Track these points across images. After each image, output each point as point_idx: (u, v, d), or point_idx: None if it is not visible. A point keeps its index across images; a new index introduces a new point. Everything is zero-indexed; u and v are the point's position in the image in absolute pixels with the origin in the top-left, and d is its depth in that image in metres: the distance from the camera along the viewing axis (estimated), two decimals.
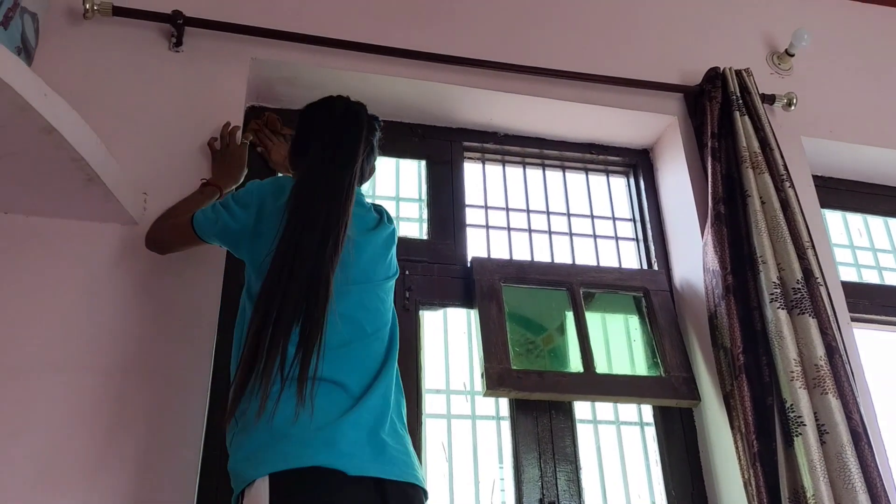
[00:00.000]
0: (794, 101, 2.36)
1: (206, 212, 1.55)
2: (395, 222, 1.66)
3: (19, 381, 1.57)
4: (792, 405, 1.73)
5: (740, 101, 2.20)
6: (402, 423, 1.43)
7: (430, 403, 1.96)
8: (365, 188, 1.72)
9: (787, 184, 2.07)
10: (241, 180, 1.86)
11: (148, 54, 1.98)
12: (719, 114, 2.20)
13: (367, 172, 1.63)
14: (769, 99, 2.34)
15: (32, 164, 1.52)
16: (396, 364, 1.48)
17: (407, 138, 2.28)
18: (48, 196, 1.66)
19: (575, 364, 2.02)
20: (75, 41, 1.94)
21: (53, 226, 1.72)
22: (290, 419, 1.24)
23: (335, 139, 1.51)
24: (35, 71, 1.43)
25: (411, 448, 1.40)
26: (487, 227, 2.28)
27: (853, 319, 2.20)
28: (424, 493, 1.36)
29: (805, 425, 1.70)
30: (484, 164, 2.39)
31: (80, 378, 1.60)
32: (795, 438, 1.70)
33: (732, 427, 1.82)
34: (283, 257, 1.33)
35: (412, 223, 2.22)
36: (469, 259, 2.13)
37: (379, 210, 1.64)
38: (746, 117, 2.18)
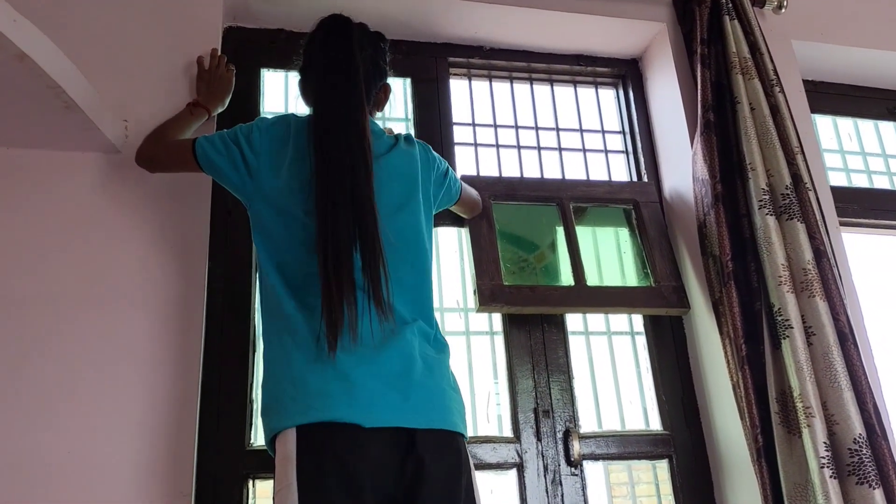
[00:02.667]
0: (785, 3, 2.30)
1: (213, 142, 1.50)
2: (420, 148, 1.62)
3: (9, 314, 1.58)
4: (780, 309, 1.76)
5: (730, 5, 2.15)
6: (440, 356, 1.42)
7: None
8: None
9: (777, 89, 2.05)
10: (227, 105, 1.84)
11: None
12: (708, 18, 2.15)
13: (378, 94, 1.60)
14: (759, 2, 2.29)
15: (7, 94, 1.49)
16: (432, 295, 1.49)
17: (391, 54, 2.22)
18: (26, 126, 1.63)
19: (566, 278, 2.04)
20: None
21: (34, 157, 1.70)
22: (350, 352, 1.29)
23: (329, 63, 1.49)
24: None
25: (449, 388, 1.39)
26: (476, 144, 2.26)
27: (842, 224, 2.21)
28: (462, 436, 1.36)
29: (792, 328, 1.73)
30: (470, 80, 2.35)
31: (73, 310, 1.61)
32: (783, 341, 1.74)
33: (721, 333, 1.86)
34: (323, 197, 1.35)
35: None
36: (458, 177, 2.12)
37: (396, 136, 1.61)
38: (736, 21, 2.13)
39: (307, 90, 1.58)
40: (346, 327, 1.27)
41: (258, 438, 1.74)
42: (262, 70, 2.12)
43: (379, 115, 1.71)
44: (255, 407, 1.75)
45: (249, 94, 2.04)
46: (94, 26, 1.85)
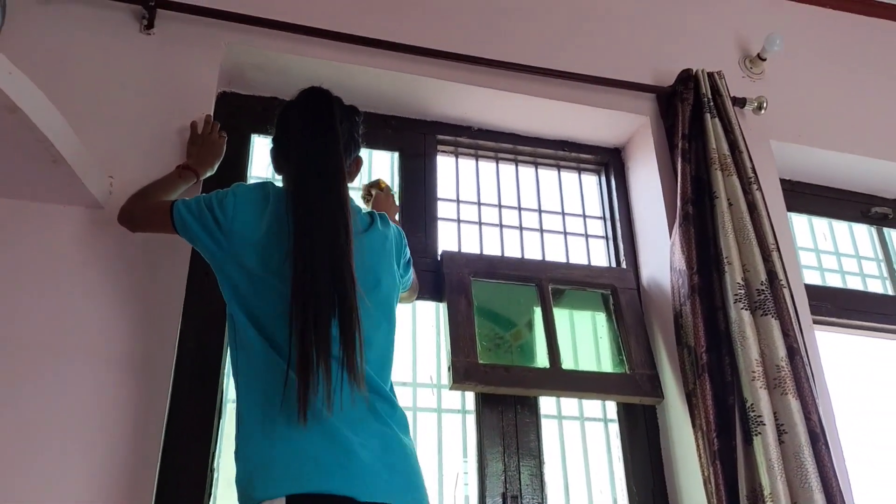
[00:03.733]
0: (765, 104, 2.39)
1: (189, 206, 1.50)
2: (395, 231, 1.64)
3: None
4: (752, 404, 1.76)
5: (711, 104, 2.23)
6: (405, 436, 1.40)
7: (397, 396, 1.96)
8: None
9: (755, 186, 2.10)
10: (215, 170, 1.85)
11: (118, 36, 1.94)
12: (691, 115, 2.22)
13: (351, 166, 1.62)
14: (740, 102, 2.37)
15: None
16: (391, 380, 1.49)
17: (380, 129, 2.27)
18: (10, 177, 1.62)
19: (542, 359, 2.03)
20: (43, 20, 1.90)
21: (15, 207, 1.69)
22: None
23: (310, 132, 1.50)
24: (0, 51, 1.40)
25: (419, 467, 1.37)
26: (459, 220, 2.28)
27: (815, 322, 2.24)
28: None
29: (765, 424, 1.73)
30: (457, 157, 2.39)
31: (41, 361, 1.57)
32: (755, 437, 1.73)
33: (694, 425, 1.85)
34: (301, 262, 1.33)
35: None
36: (439, 252, 2.13)
37: (371, 214, 1.62)
38: (717, 120, 2.20)
39: (280, 158, 1.58)
40: (321, 397, 1.25)
41: None
42: (252, 136, 2.15)
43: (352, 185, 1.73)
44: (215, 477, 1.70)
45: (238, 158, 2.06)
46: (90, 82, 1.87)
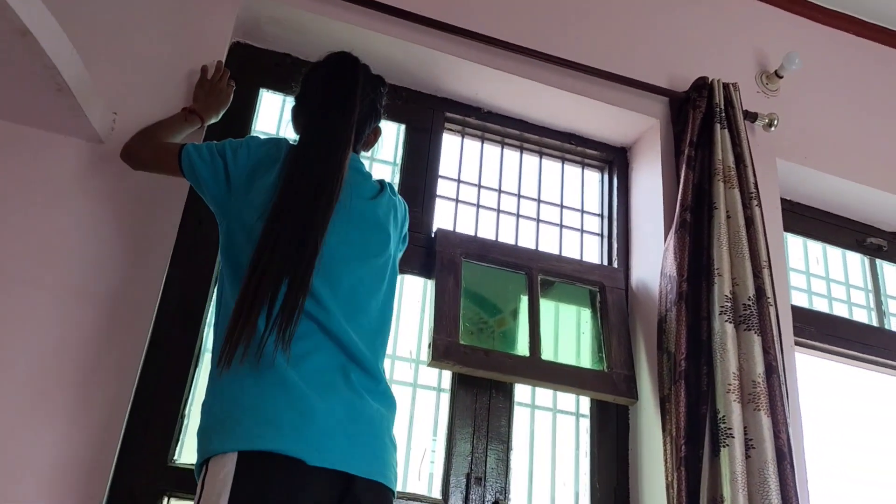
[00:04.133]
0: (776, 122, 2.38)
1: (200, 150, 1.49)
2: (401, 203, 1.62)
3: None
4: (724, 416, 1.77)
5: (723, 114, 2.22)
6: (388, 413, 1.39)
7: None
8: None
9: (755, 202, 2.10)
10: (220, 118, 1.84)
11: None
12: (701, 123, 2.21)
13: (368, 135, 1.61)
14: (751, 116, 2.36)
15: (2, 66, 1.48)
16: (386, 345, 1.48)
17: (390, 100, 2.24)
18: (15, 101, 1.61)
19: (522, 347, 2.04)
20: None
21: (15, 131, 1.68)
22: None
23: (328, 98, 1.49)
24: None
25: (390, 443, 1.37)
26: (457, 200, 2.28)
27: (797, 343, 2.25)
28: (393, 493, 1.33)
29: (734, 437, 1.74)
30: (463, 137, 2.38)
31: (25, 293, 1.57)
32: (722, 448, 1.74)
33: (664, 430, 1.86)
34: (272, 221, 1.32)
35: None
36: (434, 230, 2.13)
37: (382, 182, 1.59)
38: (726, 131, 2.20)
39: (299, 118, 1.58)
40: (270, 350, 1.25)
41: (182, 456, 1.69)
42: (261, 90, 2.13)
43: (365, 154, 1.72)
44: (185, 423, 1.71)
45: (245, 111, 2.05)
46: (104, 16, 1.85)
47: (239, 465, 1.19)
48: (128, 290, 1.64)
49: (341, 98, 1.49)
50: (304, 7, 2.04)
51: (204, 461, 1.23)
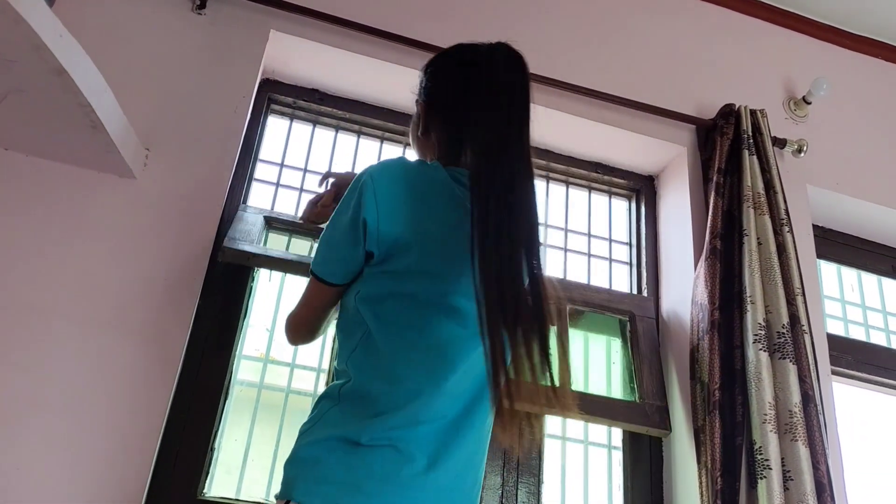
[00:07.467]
0: (805, 148, 2.36)
1: (327, 259, 1.21)
2: None
3: None
4: (761, 447, 1.73)
5: (751, 141, 2.20)
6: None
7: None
8: None
9: (787, 229, 2.07)
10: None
11: (170, 13, 1.98)
12: (728, 150, 2.20)
13: None
14: (780, 143, 2.34)
15: (39, 105, 1.52)
16: None
17: None
18: (50, 138, 1.65)
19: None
20: None
21: (51, 168, 1.72)
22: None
23: (507, 115, 1.20)
24: (55, 14, 1.43)
25: None
26: None
27: (834, 372, 2.20)
28: None
29: (771, 469, 1.70)
30: None
31: (55, 325, 1.59)
32: (760, 481, 1.70)
33: (699, 461, 1.82)
34: (493, 280, 1.10)
35: None
36: None
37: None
38: (755, 157, 2.18)
39: (447, 123, 1.29)
40: None
41: (212, 489, 1.68)
42: (291, 122, 2.16)
43: None
44: (215, 456, 1.71)
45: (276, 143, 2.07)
46: (138, 55, 1.90)
47: None
48: (159, 322, 1.65)
49: (521, 110, 1.23)
50: (332, 43, 2.06)
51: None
